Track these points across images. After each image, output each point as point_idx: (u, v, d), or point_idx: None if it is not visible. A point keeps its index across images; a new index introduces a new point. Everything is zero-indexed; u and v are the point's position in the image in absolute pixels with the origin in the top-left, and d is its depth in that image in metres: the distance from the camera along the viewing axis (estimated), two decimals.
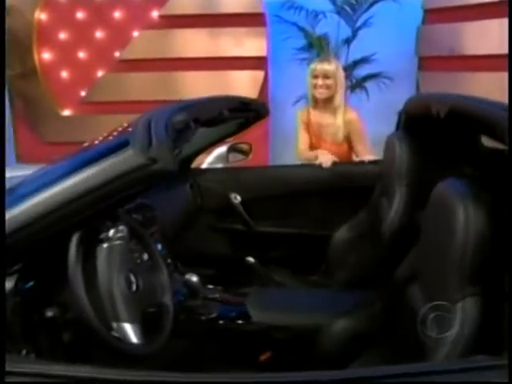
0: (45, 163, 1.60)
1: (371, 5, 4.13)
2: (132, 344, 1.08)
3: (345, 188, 2.20)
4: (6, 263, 0.96)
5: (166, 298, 1.27)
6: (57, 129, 4.86)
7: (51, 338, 1.06)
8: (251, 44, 4.57)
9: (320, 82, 2.63)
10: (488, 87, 4.08)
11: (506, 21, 4.00)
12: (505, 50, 4.03)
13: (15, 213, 0.95)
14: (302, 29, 4.34)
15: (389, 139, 1.90)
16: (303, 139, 2.72)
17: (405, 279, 1.25)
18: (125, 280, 1.16)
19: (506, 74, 4.05)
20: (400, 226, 1.69)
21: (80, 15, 4.67)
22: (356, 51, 4.40)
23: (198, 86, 4.68)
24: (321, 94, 2.64)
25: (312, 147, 2.71)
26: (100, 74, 4.77)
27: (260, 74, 4.64)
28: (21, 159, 4.97)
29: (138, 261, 1.28)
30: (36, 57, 4.76)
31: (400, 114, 2.01)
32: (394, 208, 1.71)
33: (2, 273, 1.24)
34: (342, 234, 2.13)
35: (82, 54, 4.74)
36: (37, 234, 0.95)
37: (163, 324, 1.20)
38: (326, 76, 2.63)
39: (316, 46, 4.38)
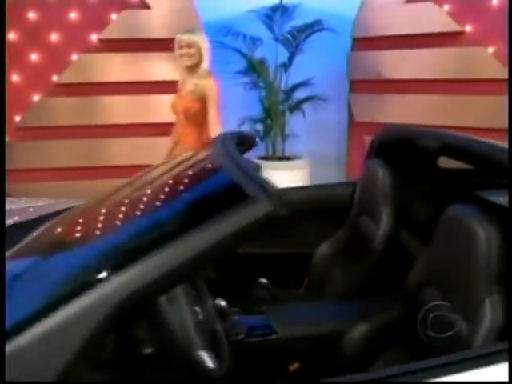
0: None
1: (311, 33, 4.48)
2: (211, 369, 1.21)
3: (322, 209, 2.43)
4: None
5: (217, 324, 1.40)
6: None
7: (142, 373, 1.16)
8: None
9: (184, 51, 3.10)
10: (410, 107, 4.62)
11: (421, 51, 4.57)
12: (422, 75, 4.61)
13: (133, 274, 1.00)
14: (242, 54, 4.59)
15: (369, 165, 2.17)
16: None
17: (418, 284, 1.50)
18: (193, 311, 1.28)
19: (423, 96, 4.62)
20: (389, 240, 1.95)
21: (12, 36, 4.53)
22: (293, 75, 4.73)
23: (140, 110, 4.74)
24: (185, 61, 3.13)
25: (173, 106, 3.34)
26: (36, 98, 4.65)
27: None
28: None
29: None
30: None
31: (373, 142, 2.30)
32: (383, 226, 1.97)
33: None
34: (323, 250, 2.36)
35: (15, 78, 4.59)
36: (151, 294, 1.02)
37: (223, 348, 1.34)
38: (188, 46, 3.10)
39: (257, 70, 4.65)
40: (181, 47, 3.13)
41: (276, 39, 4.65)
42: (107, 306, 0.93)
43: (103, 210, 1.48)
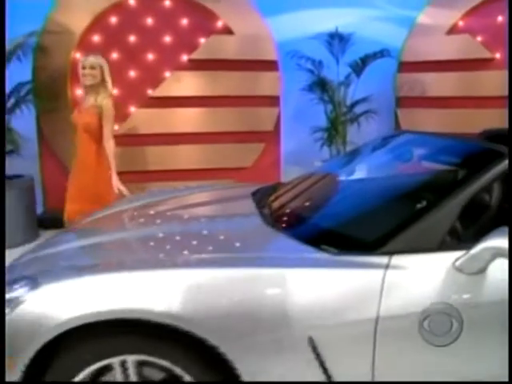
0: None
1: (377, 59, 5.59)
2: None
3: None
4: None
5: None
6: None
7: None
8: (268, 85, 5.72)
9: (87, 71, 3.69)
10: (447, 119, 5.78)
11: (458, 73, 5.76)
12: (459, 94, 5.79)
13: None
14: (314, 73, 5.64)
15: None
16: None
17: None
18: None
19: (460, 110, 5.79)
20: (500, 203, 2.98)
21: (114, 55, 5.40)
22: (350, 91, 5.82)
23: (220, 121, 5.67)
24: (88, 80, 3.71)
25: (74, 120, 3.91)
26: (132, 109, 5.51)
27: (275, 110, 5.80)
28: (45, 186, 5.46)
29: None
30: (69, 93, 5.36)
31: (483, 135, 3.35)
32: (496, 194, 2.98)
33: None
34: None
35: (115, 91, 5.43)
36: None
37: None
38: (91, 67, 3.68)
39: (324, 88, 5.70)
40: (83, 68, 3.69)
41: (337, 61, 5.73)
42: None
43: None
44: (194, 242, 2.07)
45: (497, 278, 1.79)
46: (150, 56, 5.47)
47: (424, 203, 1.99)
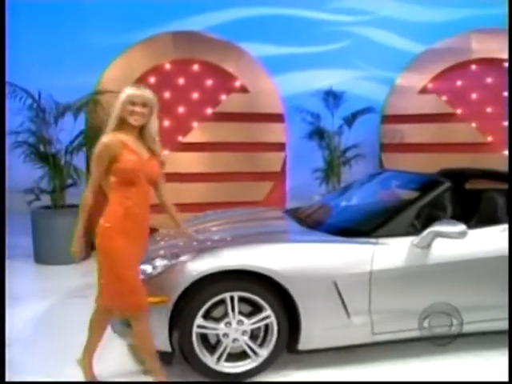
0: None
1: (364, 113, 7.40)
2: None
3: None
4: None
5: None
6: None
7: None
8: (276, 134, 7.46)
9: (137, 109, 2.94)
10: (421, 161, 7.56)
11: (428, 124, 7.62)
12: (429, 141, 7.62)
13: None
14: (313, 124, 7.42)
15: None
16: None
17: None
18: None
19: (429, 154, 7.59)
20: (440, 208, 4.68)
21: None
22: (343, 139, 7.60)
23: (238, 163, 7.35)
24: (136, 120, 2.96)
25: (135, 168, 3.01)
26: (166, 153, 7.15)
27: (282, 154, 7.52)
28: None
29: None
30: None
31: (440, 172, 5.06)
32: (449, 212, 4.66)
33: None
34: None
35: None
36: None
37: None
38: (144, 104, 2.95)
39: (319, 136, 7.47)
40: (133, 104, 2.95)
41: (332, 114, 7.53)
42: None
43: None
44: (274, 232, 3.73)
45: (436, 250, 3.45)
46: (181, 109, 7.19)
47: (395, 210, 3.67)
